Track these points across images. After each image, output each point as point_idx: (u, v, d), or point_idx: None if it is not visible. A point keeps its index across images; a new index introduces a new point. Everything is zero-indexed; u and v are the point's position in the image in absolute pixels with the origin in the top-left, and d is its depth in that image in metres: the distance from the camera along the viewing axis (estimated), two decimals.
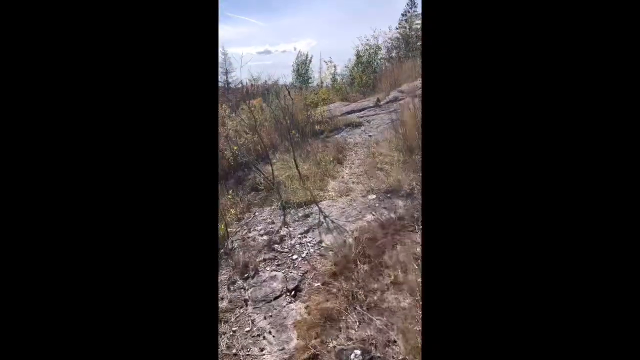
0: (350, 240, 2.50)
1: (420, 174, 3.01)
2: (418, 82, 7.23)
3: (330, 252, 2.46)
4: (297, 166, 3.79)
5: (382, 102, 7.05)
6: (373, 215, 2.79)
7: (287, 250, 2.61)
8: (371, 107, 6.91)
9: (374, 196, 3.07)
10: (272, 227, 2.95)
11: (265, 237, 2.83)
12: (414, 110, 4.25)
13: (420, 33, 11.71)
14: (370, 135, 5.25)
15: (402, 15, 13.78)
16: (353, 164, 4.10)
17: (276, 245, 2.62)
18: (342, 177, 3.69)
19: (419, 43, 11.76)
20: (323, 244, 2.59)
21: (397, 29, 12.36)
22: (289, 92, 5.98)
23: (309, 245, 2.59)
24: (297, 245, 2.63)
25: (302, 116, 6.14)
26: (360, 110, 6.83)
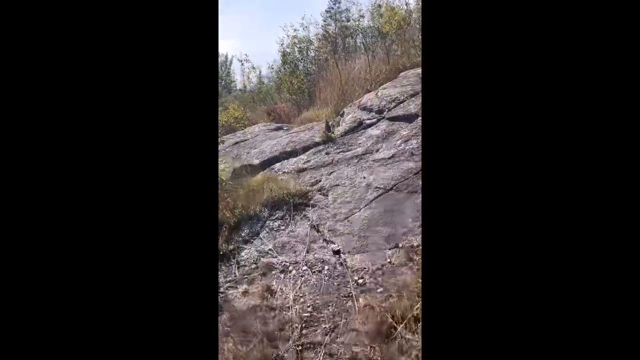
0: None
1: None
2: (393, 91, 4.05)
3: None
4: None
5: (337, 132, 3.70)
6: None
7: None
8: (318, 143, 3.51)
9: None
10: None
11: None
12: None
13: (350, 30, 8.91)
14: (344, 263, 1.82)
15: (326, 11, 10.92)
16: None
17: None
18: None
19: (359, 39, 8.83)
20: None
21: (322, 26, 9.40)
22: None
23: None
24: None
25: None
26: (299, 152, 3.40)
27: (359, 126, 3.64)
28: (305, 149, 3.39)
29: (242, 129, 5.43)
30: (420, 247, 1.49)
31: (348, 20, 9.18)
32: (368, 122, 3.65)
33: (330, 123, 4.30)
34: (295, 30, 9.05)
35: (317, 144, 3.42)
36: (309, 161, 3.13)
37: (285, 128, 5.39)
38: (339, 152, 3.18)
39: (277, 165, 3.20)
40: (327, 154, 3.21)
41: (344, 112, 4.56)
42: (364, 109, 3.97)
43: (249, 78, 8.46)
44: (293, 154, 3.36)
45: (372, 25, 8.00)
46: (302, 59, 8.82)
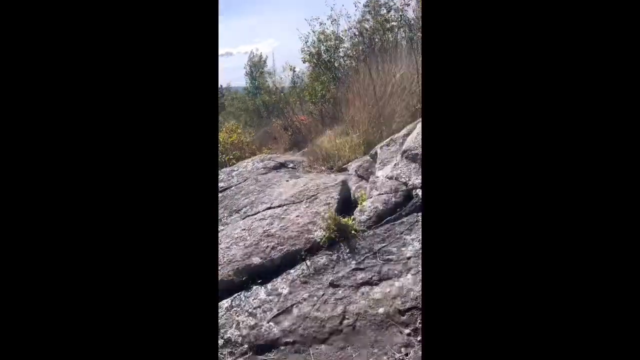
0: None
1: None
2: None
3: None
4: None
5: (359, 214, 1.85)
6: None
7: None
8: (318, 245, 1.67)
9: None
10: None
11: None
12: None
13: (391, 24, 6.96)
14: None
15: (364, 6, 8.90)
16: None
17: None
18: None
19: (400, 34, 6.84)
20: None
21: (358, 22, 7.55)
22: None
23: None
24: None
25: None
26: (275, 268, 1.61)
27: (405, 202, 1.80)
28: (290, 261, 1.61)
29: (232, 164, 3.77)
30: None
31: (389, 11, 7.13)
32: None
33: (351, 176, 2.49)
34: (321, 24, 7.15)
35: (315, 249, 1.62)
36: (287, 310, 1.35)
37: (290, 166, 3.65)
38: (359, 285, 1.37)
39: (224, 307, 1.45)
40: (332, 285, 1.41)
41: (376, 152, 2.70)
42: (414, 157, 2.10)
43: (259, 81, 6.92)
44: (263, 272, 1.59)
45: (420, 13, 5.98)
46: (328, 60, 7.02)
